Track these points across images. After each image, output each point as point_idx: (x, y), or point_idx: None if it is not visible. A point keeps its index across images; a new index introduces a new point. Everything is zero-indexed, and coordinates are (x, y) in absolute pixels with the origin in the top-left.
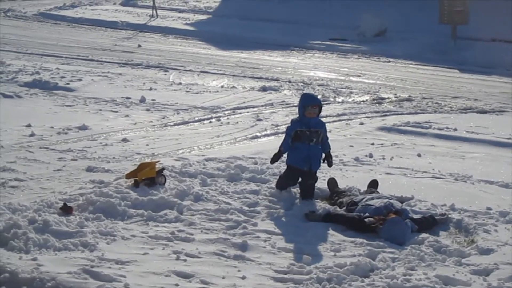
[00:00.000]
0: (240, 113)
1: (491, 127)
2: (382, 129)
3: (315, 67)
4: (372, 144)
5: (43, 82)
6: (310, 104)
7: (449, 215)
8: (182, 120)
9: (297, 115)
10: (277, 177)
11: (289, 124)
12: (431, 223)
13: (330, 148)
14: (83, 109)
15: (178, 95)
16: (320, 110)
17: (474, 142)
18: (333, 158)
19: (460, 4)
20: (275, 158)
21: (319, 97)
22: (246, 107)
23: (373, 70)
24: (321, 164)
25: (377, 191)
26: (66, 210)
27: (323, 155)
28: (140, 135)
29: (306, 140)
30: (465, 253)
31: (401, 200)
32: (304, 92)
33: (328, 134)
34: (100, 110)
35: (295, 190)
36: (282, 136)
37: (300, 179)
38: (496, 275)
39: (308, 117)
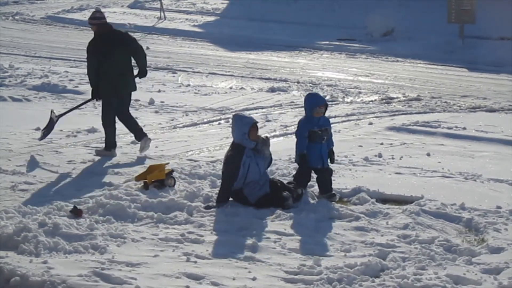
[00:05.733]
0: (249, 114)
1: (500, 125)
2: (391, 128)
3: (323, 68)
4: (381, 144)
5: (51, 85)
6: (317, 105)
7: (459, 214)
8: (191, 122)
9: (304, 115)
10: (288, 178)
11: (298, 126)
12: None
13: (333, 145)
14: (92, 112)
15: (187, 97)
16: (326, 109)
17: (484, 141)
18: (342, 159)
19: (467, 3)
20: (305, 164)
21: (327, 97)
22: (255, 108)
23: (381, 70)
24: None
25: None
26: (76, 213)
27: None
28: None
29: (319, 139)
30: (476, 252)
31: (411, 200)
32: (308, 92)
33: (338, 134)
34: None
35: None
36: (292, 137)
37: (316, 175)
38: (507, 274)
39: (316, 117)
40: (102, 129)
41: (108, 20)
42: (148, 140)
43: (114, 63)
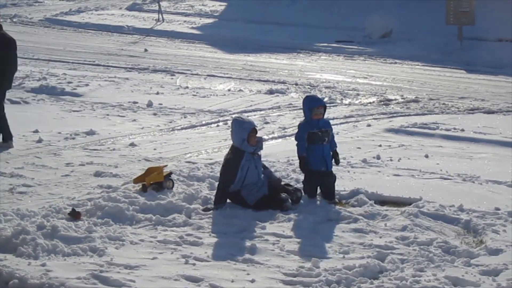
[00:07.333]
0: (247, 116)
1: (498, 127)
2: (390, 130)
3: (321, 70)
4: (380, 145)
5: (50, 88)
6: (315, 106)
7: (458, 216)
8: (190, 124)
9: (304, 119)
10: (287, 180)
11: (298, 129)
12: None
13: (336, 146)
14: (91, 114)
15: (185, 99)
16: (325, 110)
17: (482, 142)
18: (341, 161)
19: (466, 5)
20: (305, 166)
21: (325, 99)
22: (253, 110)
23: (379, 71)
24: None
25: None
26: (74, 215)
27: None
28: (147, 140)
29: (319, 141)
30: (474, 253)
31: (409, 201)
32: (306, 95)
33: (336, 136)
34: (107, 115)
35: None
36: (290, 139)
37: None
38: (505, 276)
39: (315, 119)
40: (101, 132)
41: (107, 23)
42: (9, 147)
43: None
